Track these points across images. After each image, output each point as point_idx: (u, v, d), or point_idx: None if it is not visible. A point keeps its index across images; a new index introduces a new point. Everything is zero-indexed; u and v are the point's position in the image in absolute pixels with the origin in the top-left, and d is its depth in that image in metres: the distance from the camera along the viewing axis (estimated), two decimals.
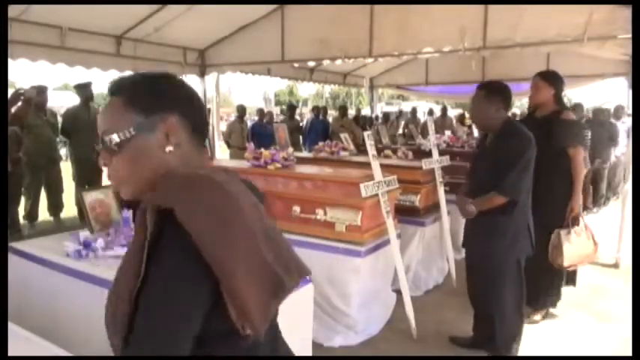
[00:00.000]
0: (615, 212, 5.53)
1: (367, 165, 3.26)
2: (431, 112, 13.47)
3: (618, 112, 7.70)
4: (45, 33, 4.52)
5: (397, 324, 3.28)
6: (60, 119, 6.20)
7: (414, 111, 12.77)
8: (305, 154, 6.25)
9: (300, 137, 9.38)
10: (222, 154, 8.00)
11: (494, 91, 2.65)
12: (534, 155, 2.57)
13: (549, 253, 3.16)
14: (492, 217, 2.62)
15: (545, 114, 3.24)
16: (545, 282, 3.34)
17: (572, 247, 3.12)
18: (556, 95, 3.22)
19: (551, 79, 3.24)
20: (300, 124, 9.98)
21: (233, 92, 49.65)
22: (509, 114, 3.45)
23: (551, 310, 3.51)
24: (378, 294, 3.20)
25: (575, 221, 3.19)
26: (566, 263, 3.13)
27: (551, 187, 3.15)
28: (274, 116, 11.80)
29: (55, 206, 5.96)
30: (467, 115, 15.86)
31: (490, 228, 2.65)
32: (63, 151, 7.24)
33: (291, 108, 10.05)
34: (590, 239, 3.21)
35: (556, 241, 3.14)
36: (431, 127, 4.39)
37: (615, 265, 4.67)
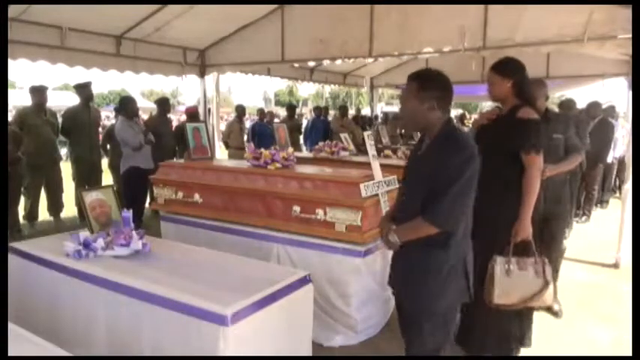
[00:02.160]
0: (615, 212, 5.53)
1: (367, 165, 3.27)
2: None
3: (610, 112, 7.65)
4: (45, 33, 4.52)
5: (397, 324, 3.26)
6: (60, 119, 6.20)
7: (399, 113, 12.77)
8: (305, 154, 6.26)
9: (301, 137, 9.39)
10: (220, 154, 7.99)
11: (429, 84, 1.98)
12: (477, 171, 1.93)
13: (485, 286, 2.52)
14: (421, 248, 1.98)
15: (505, 111, 2.71)
16: (489, 323, 2.71)
17: (510, 281, 2.48)
18: (515, 87, 2.64)
19: (504, 69, 2.67)
20: (300, 124, 9.99)
21: (233, 92, 49.75)
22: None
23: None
24: (378, 294, 3.20)
25: (525, 250, 2.53)
26: (497, 301, 2.48)
27: (502, 202, 2.58)
28: (276, 116, 11.77)
29: (55, 206, 5.96)
30: (467, 115, 15.89)
31: (418, 263, 2.02)
32: (63, 151, 7.23)
33: (292, 108, 10.06)
34: (541, 276, 2.49)
35: (490, 271, 2.50)
36: None
37: (615, 265, 4.67)
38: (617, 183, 8.16)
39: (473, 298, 2.06)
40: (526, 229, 2.52)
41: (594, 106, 6.88)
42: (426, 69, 2.06)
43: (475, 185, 1.93)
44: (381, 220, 2.23)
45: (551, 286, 2.49)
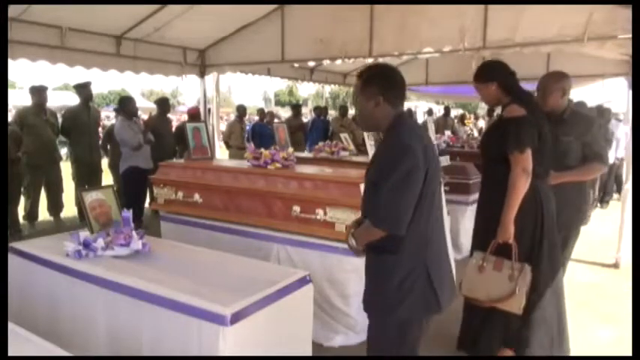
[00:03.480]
0: (615, 212, 5.53)
1: (367, 165, 3.26)
2: (430, 112, 13.49)
3: (604, 114, 7.63)
4: (45, 33, 4.52)
5: None
6: (60, 119, 6.21)
7: (408, 111, 12.82)
8: (305, 154, 6.26)
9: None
10: (221, 154, 7.99)
11: (370, 80, 1.86)
12: (419, 169, 1.72)
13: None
14: (371, 253, 1.88)
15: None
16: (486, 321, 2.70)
17: (479, 278, 2.48)
18: (501, 87, 2.59)
19: (483, 75, 2.65)
20: (304, 124, 9.97)
21: (233, 92, 49.77)
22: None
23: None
24: None
25: (506, 252, 2.46)
26: (464, 292, 2.51)
27: (494, 203, 2.53)
28: (276, 117, 11.75)
29: (55, 206, 5.96)
30: (468, 115, 15.91)
31: (369, 269, 1.92)
32: (63, 151, 7.23)
33: (297, 107, 10.02)
34: (514, 281, 2.40)
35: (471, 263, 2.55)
36: (431, 127, 4.39)
37: (615, 265, 4.67)
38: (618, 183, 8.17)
39: (443, 309, 1.84)
40: (506, 231, 2.45)
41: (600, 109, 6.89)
42: (370, 64, 1.94)
43: (419, 184, 1.73)
44: (350, 224, 2.07)
45: (519, 296, 2.37)
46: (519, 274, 2.41)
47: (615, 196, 7.90)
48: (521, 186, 2.43)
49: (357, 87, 1.90)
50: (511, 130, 2.47)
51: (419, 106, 19.37)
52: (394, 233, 1.73)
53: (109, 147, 6.56)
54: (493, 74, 2.62)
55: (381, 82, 1.84)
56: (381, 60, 6.28)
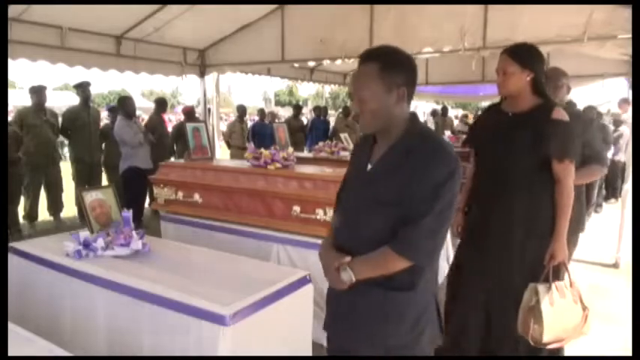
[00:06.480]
0: (615, 212, 5.53)
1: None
2: (434, 113, 13.48)
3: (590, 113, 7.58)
4: (45, 33, 4.53)
5: None
6: (60, 119, 6.21)
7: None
8: (305, 153, 6.26)
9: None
10: (222, 154, 8.01)
11: (395, 65, 1.44)
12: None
13: (519, 322, 2.14)
14: (379, 290, 1.48)
15: (520, 110, 2.25)
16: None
17: (555, 311, 2.08)
18: (533, 82, 2.21)
19: (528, 58, 2.21)
20: (304, 124, 9.98)
21: (233, 92, 49.77)
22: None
23: None
24: None
25: (557, 273, 2.18)
26: (546, 337, 2.06)
27: (530, 217, 2.20)
28: (277, 117, 11.74)
29: (55, 206, 5.96)
30: (469, 115, 15.92)
31: (381, 308, 1.50)
32: (65, 151, 7.23)
33: (297, 107, 10.05)
34: (578, 302, 2.15)
35: (532, 302, 2.09)
36: (431, 127, 4.40)
37: (615, 265, 4.67)
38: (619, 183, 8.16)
39: (443, 338, 1.61)
40: (565, 250, 2.15)
41: (590, 109, 6.87)
42: (381, 45, 1.51)
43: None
44: (323, 252, 1.60)
45: (589, 311, 2.12)
46: (578, 291, 2.18)
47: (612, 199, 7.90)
48: (572, 196, 2.17)
49: (368, 72, 1.43)
50: (566, 135, 2.15)
51: (418, 106, 19.39)
52: (422, 265, 1.44)
53: (103, 146, 6.56)
54: (535, 64, 2.19)
55: (408, 71, 1.45)
56: None
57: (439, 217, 1.38)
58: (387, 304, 1.47)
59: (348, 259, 1.47)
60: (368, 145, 1.55)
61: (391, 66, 1.42)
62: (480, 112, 3.97)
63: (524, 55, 2.20)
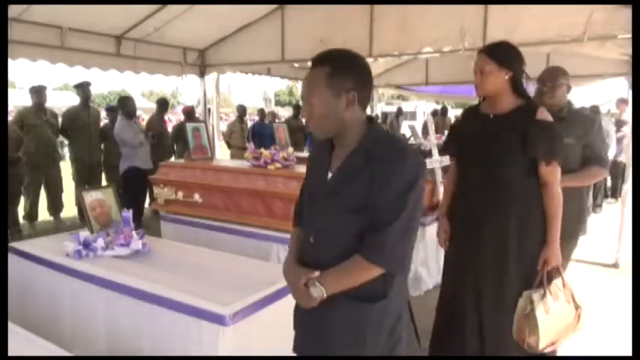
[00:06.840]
0: (615, 212, 5.53)
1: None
2: (435, 113, 13.51)
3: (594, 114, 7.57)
4: (45, 33, 4.53)
5: None
6: (60, 119, 6.21)
7: (399, 111, 13.15)
8: (305, 154, 6.26)
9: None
10: (222, 154, 8.01)
11: (345, 68, 1.41)
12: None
13: (514, 329, 2.11)
14: (361, 301, 1.42)
15: (501, 111, 2.16)
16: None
17: (550, 317, 2.06)
18: (512, 82, 2.14)
19: (505, 57, 2.13)
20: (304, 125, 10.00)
21: (233, 92, 49.74)
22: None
23: None
24: None
25: (550, 276, 2.14)
26: (542, 344, 2.06)
27: (521, 223, 2.15)
28: (277, 117, 11.75)
29: (55, 206, 5.96)
30: None
31: (357, 320, 1.43)
32: (65, 151, 7.23)
33: (297, 108, 10.06)
34: (571, 301, 2.12)
35: (527, 310, 2.07)
36: (431, 127, 4.40)
37: (615, 265, 4.67)
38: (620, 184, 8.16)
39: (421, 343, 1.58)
40: (558, 255, 2.12)
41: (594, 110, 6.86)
42: (331, 49, 1.48)
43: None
44: (287, 269, 1.53)
45: (582, 309, 2.10)
46: (570, 291, 2.14)
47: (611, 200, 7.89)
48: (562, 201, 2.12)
49: (316, 77, 1.41)
50: (552, 136, 2.08)
51: (419, 106, 19.40)
52: (394, 273, 1.40)
53: (102, 146, 6.56)
54: (513, 63, 2.12)
55: (357, 75, 1.41)
56: (381, 60, 6.31)
57: (407, 222, 1.34)
58: (363, 315, 1.42)
59: (316, 273, 1.40)
60: (326, 152, 1.50)
61: (340, 70, 1.39)
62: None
63: (501, 53, 2.13)
